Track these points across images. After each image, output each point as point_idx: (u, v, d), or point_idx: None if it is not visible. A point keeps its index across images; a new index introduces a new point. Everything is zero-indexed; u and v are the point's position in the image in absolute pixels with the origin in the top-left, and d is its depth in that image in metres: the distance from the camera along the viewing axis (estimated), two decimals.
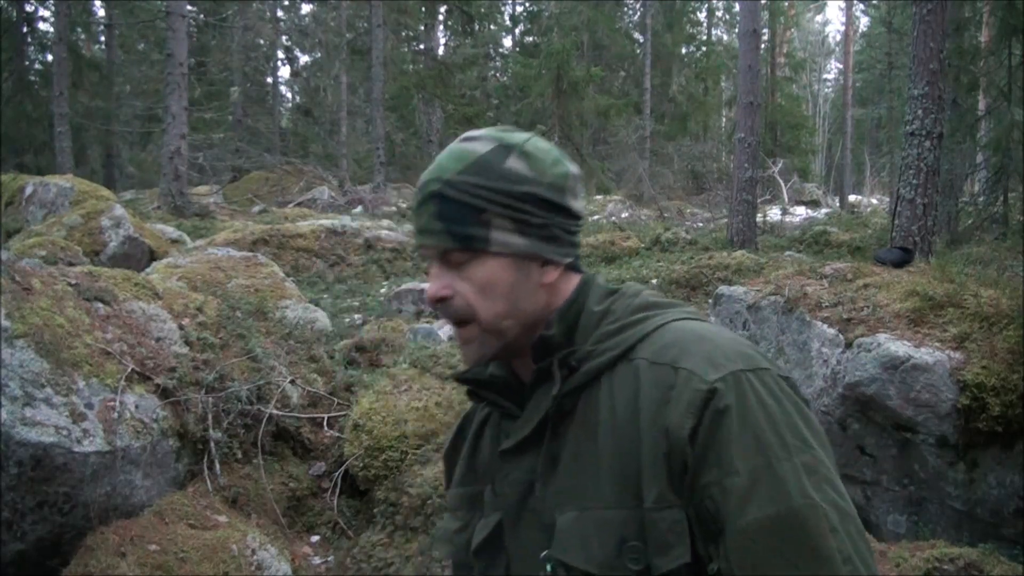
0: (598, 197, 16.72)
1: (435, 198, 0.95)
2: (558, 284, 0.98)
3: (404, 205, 15.22)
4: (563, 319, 0.96)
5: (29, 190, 8.44)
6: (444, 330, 5.32)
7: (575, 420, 0.91)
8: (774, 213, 13.83)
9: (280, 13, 23.96)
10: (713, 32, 30.12)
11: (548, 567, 0.87)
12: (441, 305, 0.95)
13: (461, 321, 0.95)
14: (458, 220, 0.93)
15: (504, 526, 0.96)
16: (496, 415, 1.05)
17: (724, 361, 0.84)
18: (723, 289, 4.83)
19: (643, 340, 0.91)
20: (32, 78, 19.25)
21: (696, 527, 0.81)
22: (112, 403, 3.14)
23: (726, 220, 10.97)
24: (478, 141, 0.97)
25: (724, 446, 0.79)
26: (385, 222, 11.01)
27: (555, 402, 0.91)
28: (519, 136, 0.98)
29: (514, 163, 0.95)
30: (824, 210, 16.93)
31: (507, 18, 29.59)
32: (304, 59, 25.22)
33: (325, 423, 3.94)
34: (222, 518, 3.25)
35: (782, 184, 17.20)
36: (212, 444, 3.48)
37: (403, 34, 23.29)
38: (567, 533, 0.87)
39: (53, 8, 17.00)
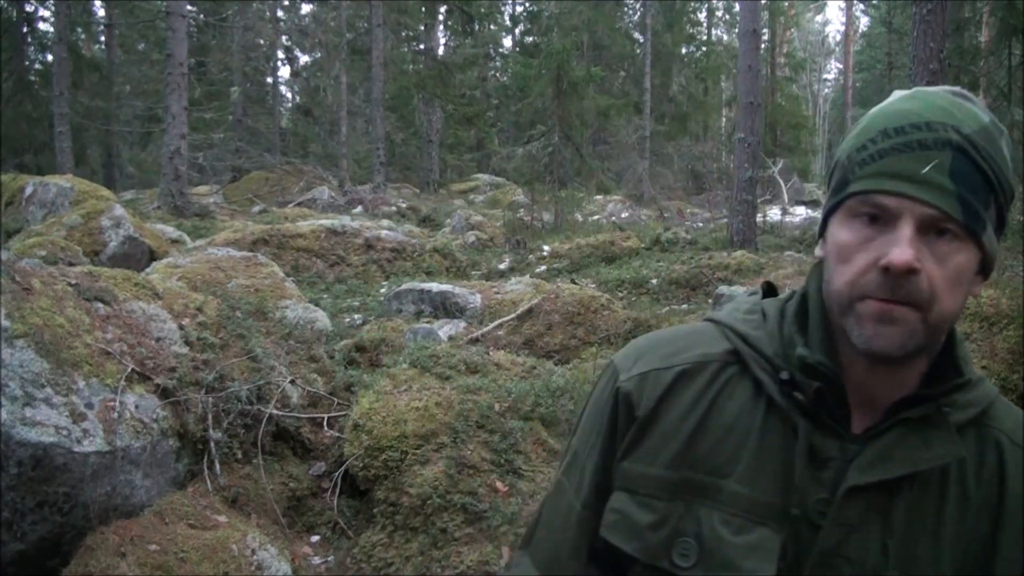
0: (598, 197, 16.73)
1: (954, 150, 0.73)
2: None
3: (404, 205, 15.21)
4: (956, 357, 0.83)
5: (29, 190, 8.44)
6: (444, 330, 5.31)
7: (917, 474, 0.81)
8: (774, 213, 13.82)
9: (280, 13, 23.96)
10: (713, 32, 30.14)
11: None
12: (902, 277, 0.73)
13: (904, 302, 0.74)
14: (974, 190, 0.73)
15: (796, 558, 0.81)
16: (769, 404, 0.85)
17: None
18: (723, 289, 4.84)
19: (991, 408, 0.84)
20: (32, 78, 19.26)
21: None
22: (112, 403, 3.14)
23: (726, 220, 10.97)
24: (975, 104, 0.77)
25: None
26: (385, 222, 11.02)
27: (956, 463, 0.80)
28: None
29: (1007, 149, 0.77)
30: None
31: (507, 18, 29.65)
32: (304, 59, 25.25)
33: (325, 423, 3.94)
34: (222, 518, 3.25)
35: (782, 184, 17.19)
36: (212, 444, 3.48)
37: (403, 34, 23.30)
38: None
39: (53, 8, 17.01)
